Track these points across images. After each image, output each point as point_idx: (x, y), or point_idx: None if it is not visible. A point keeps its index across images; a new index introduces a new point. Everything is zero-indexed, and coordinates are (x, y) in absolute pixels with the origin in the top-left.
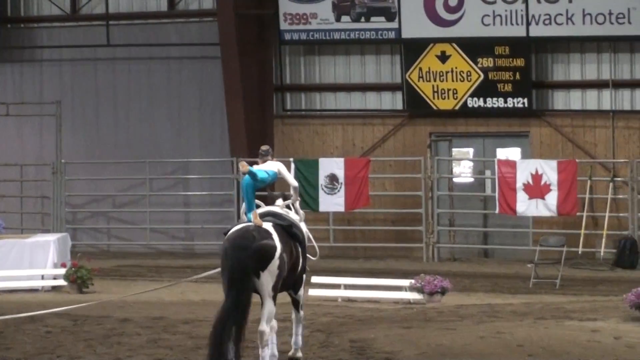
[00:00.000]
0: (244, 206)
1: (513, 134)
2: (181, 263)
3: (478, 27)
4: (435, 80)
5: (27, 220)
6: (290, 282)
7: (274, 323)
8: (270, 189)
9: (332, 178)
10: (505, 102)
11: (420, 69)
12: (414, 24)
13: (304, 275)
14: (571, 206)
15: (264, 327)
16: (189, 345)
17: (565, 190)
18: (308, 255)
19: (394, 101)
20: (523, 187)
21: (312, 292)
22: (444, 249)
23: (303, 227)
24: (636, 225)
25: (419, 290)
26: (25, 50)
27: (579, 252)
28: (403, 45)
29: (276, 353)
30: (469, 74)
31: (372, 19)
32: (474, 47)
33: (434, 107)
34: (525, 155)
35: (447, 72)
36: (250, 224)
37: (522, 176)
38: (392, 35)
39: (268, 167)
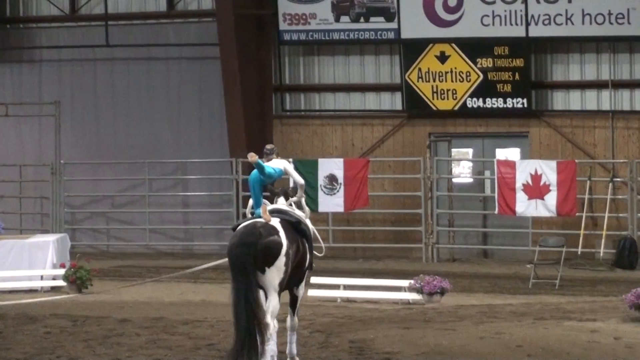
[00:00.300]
0: (250, 203)
1: (512, 134)
2: (180, 263)
3: (477, 28)
4: (434, 81)
5: (26, 220)
6: (297, 278)
7: (275, 322)
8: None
9: (332, 178)
10: (505, 102)
11: (420, 69)
12: (414, 24)
13: (309, 272)
14: (570, 206)
15: (268, 320)
16: (188, 345)
17: (564, 190)
18: (314, 252)
19: (393, 101)
20: (522, 188)
21: (312, 292)
22: (443, 249)
23: (308, 223)
24: (635, 225)
25: (419, 290)
26: (24, 51)
27: (579, 253)
28: (402, 46)
29: (276, 350)
30: (468, 74)
31: (372, 19)
32: (473, 48)
33: (434, 108)
34: (524, 156)
35: (446, 73)
36: (258, 220)
37: (522, 176)
38: (391, 35)
39: (274, 165)
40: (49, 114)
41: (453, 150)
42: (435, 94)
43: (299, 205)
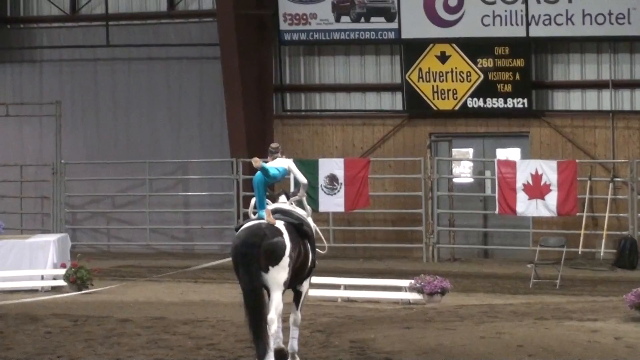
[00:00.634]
0: (252, 202)
1: (513, 134)
2: (181, 263)
3: (478, 28)
4: (435, 81)
5: (27, 220)
6: (300, 277)
7: (278, 320)
8: (270, 188)
9: (332, 178)
10: (505, 102)
11: (420, 69)
12: (414, 24)
13: (313, 269)
14: (571, 206)
15: (272, 315)
16: (189, 345)
17: (565, 190)
18: (317, 249)
19: (393, 101)
20: (523, 188)
21: (312, 292)
22: (444, 249)
23: (310, 222)
24: (636, 225)
25: (419, 290)
26: (25, 51)
27: (579, 253)
28: (403, 46)
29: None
30: (468, 74)
31: (372, 19)
32: (473, 48)
33: (434, 108)
34: (525, 156)
35: (447, 73)
36: (262, 221)
37: (522, 176)
38: (391, 35)
39: (278, 164)
40: (49, 114)
41: (454, 150)
42: (435, 94)
43: (300, 204)
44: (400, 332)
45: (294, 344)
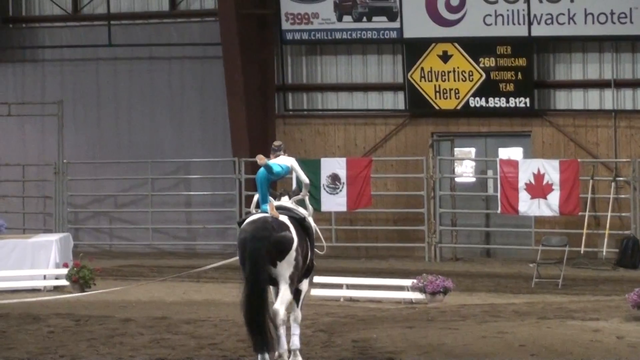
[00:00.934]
0: (255, 199)
1: (515, 133)
2: (183, 263)
3: (480, 27)
4: (437, 80)
5: (29, 220)
6: (300, 274)
7: (284, 311)
8: (272, 187)
9: (334, 178)
10: (507, 101)
11: (422, 68)
12: (416, 23)
13: (312, 269)
14: (573, 206)
15: (278, 306)
16: (191, 345)
17: (567, 190)
18: (315, 249)
19: (396, 101)
20: (525, 187)
21: (315, 291)
22: (446, 248)
23: (310, 221)
24: (638, 224)
25: (421, 290)
26: (27, 50)
27: (581, 252)
28: (405, 45)
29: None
30: (470, 73)
31: (374, 18)
32: (475, 47)
33: (436, 107)
34: (527, 155)
35: (449, 72)
36: (267, 214)
37: (524, 176)
38: (394, 35)
39: (281, 162)
40: (51, 113)
41: (456, 149)
42: (437, 94)
43: (302, 204)
44: (402, 331)
45: (295, 341)
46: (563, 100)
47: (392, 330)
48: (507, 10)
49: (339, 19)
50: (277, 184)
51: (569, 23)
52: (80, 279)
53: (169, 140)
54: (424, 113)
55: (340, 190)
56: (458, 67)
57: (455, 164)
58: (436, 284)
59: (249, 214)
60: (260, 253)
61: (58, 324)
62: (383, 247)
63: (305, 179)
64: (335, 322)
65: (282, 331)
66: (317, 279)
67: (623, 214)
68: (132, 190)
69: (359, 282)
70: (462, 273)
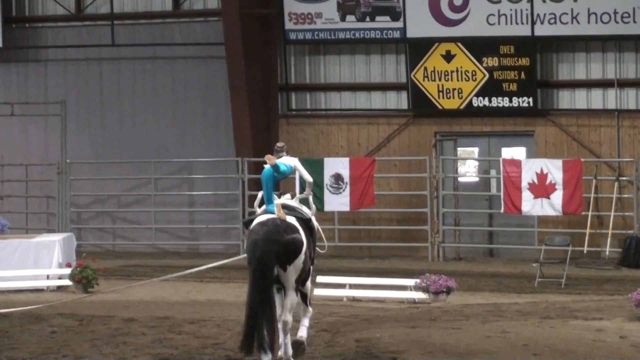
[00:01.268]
0: (259, 196)
1: (518, 133)
2: (186, 263)
3: (483, 27)
4: (440, 80)
5: (32, 220)
6: (304, 275)
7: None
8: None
9: (337, 178)
10: (511, 101)
11: (426, 68)
12: (419, 23)
13: (311, 268)
14: (576, 205)
15: (287, 317)
16: (194, 345)
17: (570, 189)
18: (317, 248)
19: (399, 101)
20: (528, 187)
21: (318, 291)
22: (449, 248)
23: (313, 220)
24: None
25: (424, 289)
26: (30, 50)
27: (584, 252)
28: (408, 45)
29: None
30: (474, 73)
31: (377, 18)
32: (479, 47)
33: (439, 107)
34: (530, 155)
35: (452, 72)
36: (274, 216)
37: (527, 175)
38: (397, 34)
39: (285, 162)
40: (54, 113)
41: (459, 149)
42: (441, 93)
43: (305, 202)
44: (405, 331)
45: (303, 332)
46: (566, 99)
47: (395, 330)
48: (510, 9)
49: (342, 19)
50: (279, 183)
51: (572, 23)
52: (83, 279)
53: (172, 140)
54: (427, 113)
55: (344, 190)
56: (461, 67)
57: (459, 163)
58: (439, 283)
59: (253, 213)
60: (270, 256)
61: (61, 323)
62: (386, 246)
63: (308, 177)
64: (339, 321)
65: (289, 339)
66: (320, 278)
67: (626, 214)
68: (135, 190)
69: (362, 281)
70: (465, 273)
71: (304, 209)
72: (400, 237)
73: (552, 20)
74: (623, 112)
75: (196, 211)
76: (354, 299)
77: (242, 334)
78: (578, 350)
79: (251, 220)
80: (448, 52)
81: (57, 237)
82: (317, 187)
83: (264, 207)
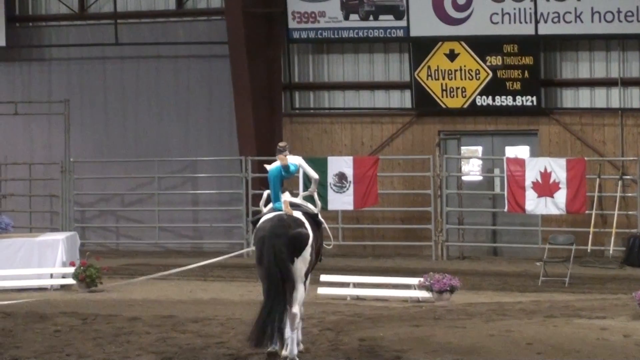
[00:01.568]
0: (265, 195)
1: (522, 132)
2: (189, 262)
3: (487, 26)
4: (444, 79)
5: (36, 219)
6: (311, 269)
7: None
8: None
9: (341, 176)
10: (514, 100)
11: (429, 67)
12: (423, 22)
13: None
14: (580, 204)
15: (296, 309)
16: (198, 343)
17: (574, 188)
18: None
19: (402, 99)
20: (532, 186)
21: (321, 290)
22: (452, 247)
23: (319, 216)
24: None
25: (428, 288)
26: (34, 49)
27: (588, 250)
28: (412, 44)
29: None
30: (477, 72)
31: (381, 17)
32: (482, 46)
33: (443, 106)
34: (534, 154)
35: (455, 71)
36: (282, 212)
37: (531, 174)
38: (400, 33)
39: (290, 161)
40: (58, 112)
41: (462, 148)
42: (444, 92)
43: (311, 200)
44: (409, 330)
45: (294, 349)
46: (570, 98)
47: (399, 329)
48: (514, 8)
49: (346, 18)
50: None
51: (575, 21)
52: (86, 278)
53: (176, 138)
54: (431, 112)
55: (347, 189)
56: (465, 66)
57: (462, 162)
58: (443, 282)
59: (259, 212)
60: (278, 249)
61: (65, 322)
62: (390, 245)
63: (314, 174)
64: (342, 320)
65: (295, 335)
66: (323, 277)
67: (630, 213)
68: (138, 189)
69: (365, 280)
70: (469, 271)
71: (310, 205)
72: (404, 236)
73: (556, 19)
74: (627, 111)
75: (200, 210)
76: (358, 298)
77: (254, 326)
78: (582, 349)
79: (259, 219)
80: (452, 51)
81: (60, 236)
82: (321, 186)
83: (270, 205)
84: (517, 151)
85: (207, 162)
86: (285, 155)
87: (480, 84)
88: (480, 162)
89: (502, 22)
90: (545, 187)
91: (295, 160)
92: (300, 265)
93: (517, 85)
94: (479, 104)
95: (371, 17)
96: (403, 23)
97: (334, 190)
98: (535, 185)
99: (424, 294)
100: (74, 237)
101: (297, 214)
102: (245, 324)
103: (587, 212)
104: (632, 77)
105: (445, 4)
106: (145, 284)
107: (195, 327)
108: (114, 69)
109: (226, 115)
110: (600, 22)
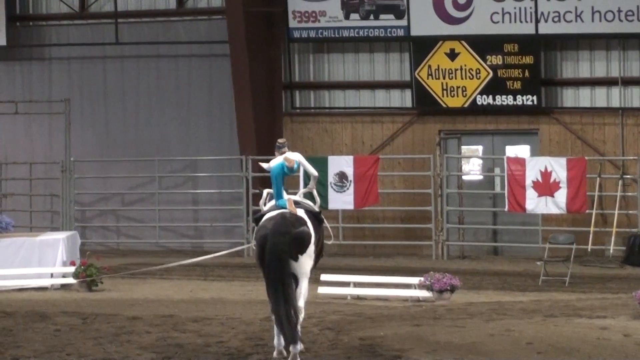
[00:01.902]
0: (264, 194)
1: (522, 131)
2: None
3: (487, 25)
4: (444, 78)
5: (37, 218)
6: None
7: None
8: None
9: (342, 176)
10: (515, 99)
11: (430, 66)
12: (423, 21)
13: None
14: (580, 204)
15: (301, 303)
16: (198, 343)
17: (574, 187)
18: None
19: (403, 99)
20: (532, 185)
21: (322, 289)
22: (453, 246)
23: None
24: None
25: (429, 288)
26: (34, 49)
27: (588, 250)
28: (412, 43)
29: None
30: (478, 71)
31: (381, 16)
32: (483, 45)
33: (443, 105)
34: (534, 153)
35: (456, 70)
36: (284, 210)
37: (532, 174)
38: (401, 32)
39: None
40: (58, 111)
41: (463, 147)
42: (445, 91)
43: (310, 196)
44: (409, 329)
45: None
46: (570, 98)
47: (399, 328)
48: (515, 8)
49: (346, 17)
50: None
51: (576, 21)
52: (87, 277)
53: (176, 138)
54: (431, 111)
55: (348, 188)
56: (465, 65)
57: (463, 161)
58: (443, 282)
59: (259, 212)
60: (282, 247)
61: (65, 322)
62: (390, 245)
63: (314, 171)
64: (343, 320)
65: (298, 330)
66: (324, 276)
67: (630, 212)
68: (139, 188)
69: (366, 280)
70: (469, 271)
71: (310, 202)
72: (404, 236)
73: (556, 19)
74: (627, 110)
75: (200, 209)
76: (358, 297)
77: (280, 330)
78: (582, 348)
79: (261, 217)
80: (452, 50)
81: (61, 236)
82: (321, 185)
83: (272, 203)
84: (518, 150)
85: (207, 162)
86: (285, 152)
87: (481, 83)
88: (480, 161)
89: (503, 22)
90: (546, 187)
91: (294, 157)
92: (304, 262)
93: (518, 85)
94: (479, 103)
95: (372, 17)
96: (403, 22)
97: (334, 190)
98: (536, 185)
99: (424, 294)
100: (74, 237)
101: (300, 212)
102: (245, 323)
103: (587, 211)
104: (633, 76)
105: (445, 4)
106: (145, 283)
107: (196, 327)
108: (114, 69)
109: (227, 115)
110: (600, 22)
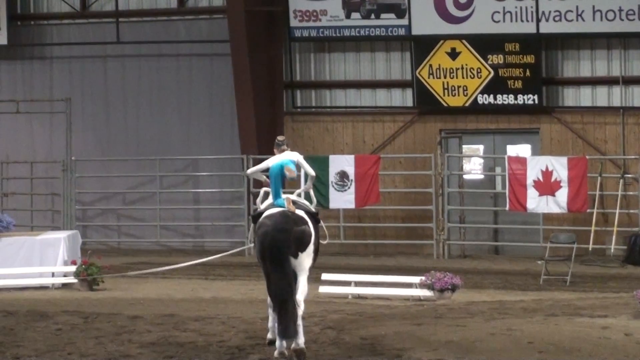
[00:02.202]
0: (261, 194)
1: (523, 130)
2: (191, 260)
3: (488, 24)
4: (445, 77)
5: (37, 217)
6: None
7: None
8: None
9: (343, 175)
10: (516, 98)
11: (431, 65)
12: (424, 20)
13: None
14: (581, 203)
15: (300, 297)
16: (199, 342)
17: (575, 187)
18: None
19: (404, 98)
20: (533, 184)
21: (323, 289)
22: (454, 245)
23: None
24: None
25: (430, 287)
26: (35, 48)
27: (589, 249)
28: (413, 42)
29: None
30: (479, 70)
31: (382, 15)
32: (484, 44)
33: (444, 104)
34: (535, 152)
35: (457, 69)
36: (284, 209)
37: (533, 173)
38: (402, 32)
39: (288, 157)
40: (59, 110)
41: (464, 146)
42: (446, 90)
43: (307, 196)
44: (410, 328)
45: (301, 337)
46: (571, 97)
47: (400, 328)
48: (516, 7)
49: (347, 16)
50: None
51: (577, 20)
52: (88, 276)
53: (177, 137)
54: (432, 110)
55: (349, 188)
56: (466, 64)
57: (464, 161)
58: (444, 281)
59: (257, 209)
60: (283, 244)
61: (66, 321)
62: (391, 244)
63: (311, 171)
64: (344, 319)
65: (300, 322)
66: (325, 276)
67: (631, 211)
68: (140, 188)
69: (367, 279)
70: (470, 270)
71: (306, 202)
72: (406, 235)
73: (557, 18)
74: (628, 110)
75: (201, 208)
76: (359, 297)
77: (279, 324)
78: (583, 347)
79: (260, 214)
80: (453, 49)
81: (62, 235)
82: (322, 185)
83: (269, 201)
84: (519, 150)
85: (208, 161)
86: (284, 150)
87: (482, 82)
88: (481, 160)
89: (504, 21)
90: (547, 186)
91: (293, 157)
92: (304, 260)
93: (519, 84)
94: (480, 102)
95: (372, 16)
96: (404, 21)
97: (335, 189)
98: (537, 184)
99: (425, 293)
100: (75, 236)
101: (300, 212)
102: (246, 322)
103: (588, 210)
104: (634, 75)
105: (446, 3)
106: (146, 282)
107: (197, 326)
108: (115, 68)
109: (228, 114)
110: (601, 21)
